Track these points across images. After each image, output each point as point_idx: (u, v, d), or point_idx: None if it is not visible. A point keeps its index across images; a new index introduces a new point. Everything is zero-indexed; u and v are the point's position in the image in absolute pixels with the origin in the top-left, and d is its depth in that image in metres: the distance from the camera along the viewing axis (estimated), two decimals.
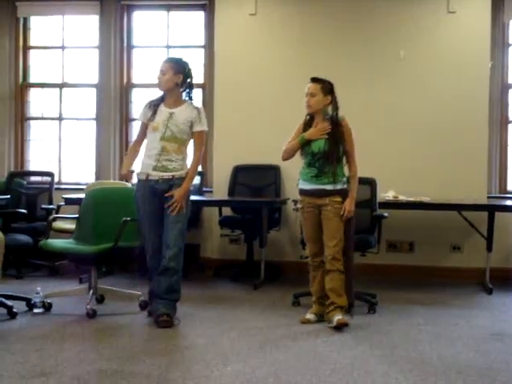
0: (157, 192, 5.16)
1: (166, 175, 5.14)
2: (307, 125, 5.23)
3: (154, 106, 5.27)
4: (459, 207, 6.68)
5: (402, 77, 7.33)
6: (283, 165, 7.22)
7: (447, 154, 7.21)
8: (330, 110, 5.21)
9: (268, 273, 6.82)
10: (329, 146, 5.08)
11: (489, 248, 6.64)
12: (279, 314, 5.46)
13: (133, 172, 5.39)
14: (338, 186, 5.11)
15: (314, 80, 5.19)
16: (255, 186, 7.45)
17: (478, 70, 7.17)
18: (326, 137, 5.10)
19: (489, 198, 7.20)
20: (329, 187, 5.10)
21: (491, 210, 6.66)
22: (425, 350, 4.46)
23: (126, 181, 5.59)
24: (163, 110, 5.21)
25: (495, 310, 5.78)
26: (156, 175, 5.14)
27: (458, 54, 7.22)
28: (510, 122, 7.56)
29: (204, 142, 5.36)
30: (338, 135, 5.10)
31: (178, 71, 5.20)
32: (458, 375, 3.93)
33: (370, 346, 4.55)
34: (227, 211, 7.43)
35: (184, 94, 5.28)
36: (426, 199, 6.69)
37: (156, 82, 5.26)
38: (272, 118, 7.38)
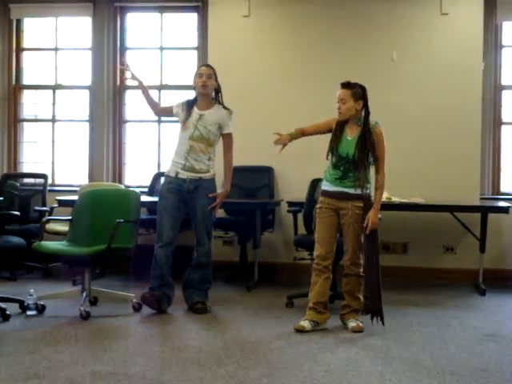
0: (183, 189, 5.52)
1: (194, 176, 5.50)
2: (338, 130, 5.04)
3: (188, 107, 5.60)
4: (452, 208, 6.70)
5: (395, 78, 7.35)
6: (277, 166, 7.26)
7: (440, 155, 7.23)
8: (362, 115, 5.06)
9: (261, 274, 6.82)
10: (358, 152, 4.95)
11: (482, 249, 6.65)
12: (273, 316, 5.46)
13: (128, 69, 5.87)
14: (361, 191, 4.98)
15: (345, 85, 5.03)
16: (249, 187, 7.44)
17: (471, 72, 7.20)
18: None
19: (482, 199, 7.22)
20: (352, 191, 4.98)
21: (484, 211, 6.67)
22: (418, 351, 4.47)
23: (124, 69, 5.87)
24: (195, 112, 5.57)
25: (488, 311, 5.80)
26: (184, 174, 5.51)
27: (450, 55, 7.25)
28: (502, 123, 7.59)
29: (232, 143, 5.71)
30: (368, 142, 4.96)
31: (216, 77, 5.66)
32: (451, 376, 3.94)
33: (364, 347, 4.56)
34: (221, 213, 7.41)
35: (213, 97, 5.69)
36: (419, 200, 6.71)
37: (199, 84, 5.56)
38: (265, 119, 7.38)
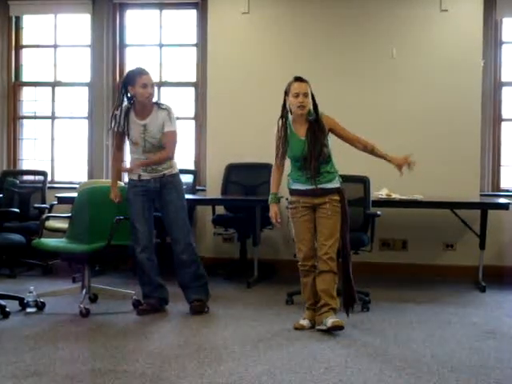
0: (150, 189, 5.40)
1: (157, 175, 5.38)
2: (285, 129, 4.99)
3: (124, 117, 5.35)
4: (452, 205, 6.70)
5: (395, 75, 7.34)
6: None
7: (440, 152, 7.21)
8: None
9: (261, 271, 6.82)
10: (308, 146, 4.87)
11: (482, 246, 6.65)
12: (273, 313, 5.46)
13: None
14: (336, 184, 4.93)
15: (302, 79, 4.94)
16: (248, 184, 7.44)
17: (471, 68, 7.19)
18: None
19: (482, 195, 7.21)
20: (327, 186, 4.90)
21: (484, 207, 6.67)
22: (418, 348, 4.47)
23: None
24: (136, 123, 5.34)
25: (488, 308, 5.80)
26: (148, 175, 5.39)
27: (450, 52, 7.23)
28: (502, 120, 7.57)
29: (175, 141, 5.40)
30: (318, 133, 4.88)
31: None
32: (451, 373, 3.94)
33: (364, 345, 4.56)
34: (220, 210, 7.42)
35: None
36: (419, 197, 6.69)
37: (145, 96, 5.27)
38: (265, 116, 7.30)
